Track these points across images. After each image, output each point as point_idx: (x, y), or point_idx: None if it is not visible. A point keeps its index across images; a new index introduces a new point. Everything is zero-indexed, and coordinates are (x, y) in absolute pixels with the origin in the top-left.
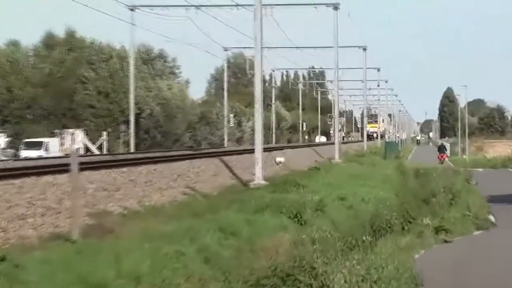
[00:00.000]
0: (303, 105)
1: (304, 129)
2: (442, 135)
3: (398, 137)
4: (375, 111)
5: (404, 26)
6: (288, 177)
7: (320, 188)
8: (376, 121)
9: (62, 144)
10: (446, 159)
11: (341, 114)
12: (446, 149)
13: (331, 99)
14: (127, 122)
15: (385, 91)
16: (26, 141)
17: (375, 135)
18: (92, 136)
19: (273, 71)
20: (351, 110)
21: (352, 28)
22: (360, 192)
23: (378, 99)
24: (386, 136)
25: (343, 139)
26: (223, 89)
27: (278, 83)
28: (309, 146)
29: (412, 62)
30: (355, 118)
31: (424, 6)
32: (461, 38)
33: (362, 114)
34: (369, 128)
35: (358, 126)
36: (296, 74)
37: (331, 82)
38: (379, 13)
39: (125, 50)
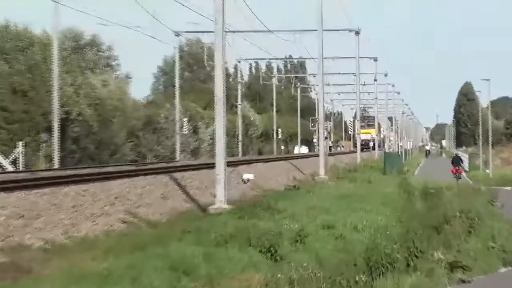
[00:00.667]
0: (278, 106)
1: (280, 136)
2: (459, 144)
3: (401, 146)
4: (368, 112)
5: (407, 14)
6: (259, 199)
7: (301, 213)
8: (371, 125)
9: None
10: (464, 174)
11: (327, 117)
12: (462, 162)
13: (315, 98)
14: (50, 130)
15: (384, 87)
16: None
17: (370, 144)
18: (4, 148)
19: (239, 62)
20: (341, 112)
21: (343, 13)
22: (352, 218)
23: (375, 98)
24: (386, 146)
25: (330, 149)
26: (174, 85)
27: (246, 78)
28: (286, 159)
29: (419, 55)
30: (345, 122)
31: None
32: (480, 23)
33: (354, 117)
34: (362, 134)
35: (350, 132)
36: (269, 65)
37: (314, 76)
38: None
39: (48, 37)
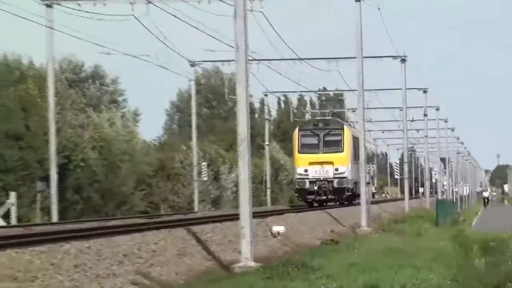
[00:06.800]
0: None
1: None
2: None
3: (456, 192)
4: (329, 114)
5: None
6: (291, 256)
7: (340, 272)
8: (335, 143)
9: None
10: None
11: (370, 159)
12: None
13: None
14: (47, 178)
15: (435, 123)
16: None
17: (334, 185)
18: None
19: (266, 95)
20: (385, 154)
21: (388, 40)
22: (399, 276)
23: (426, 136)
24: (439, 192)
25: (373, 196)
26: (190, 124)
27: (274, 114)
28: (322, 208)
29: (475, 85)
30: (391, 165)
31: None
32: None
33: (401, 158)
34: (310, 167)
35: (396, 177)
36: (300, 99)
37: (354, 111)
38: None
39: (45, 70)
